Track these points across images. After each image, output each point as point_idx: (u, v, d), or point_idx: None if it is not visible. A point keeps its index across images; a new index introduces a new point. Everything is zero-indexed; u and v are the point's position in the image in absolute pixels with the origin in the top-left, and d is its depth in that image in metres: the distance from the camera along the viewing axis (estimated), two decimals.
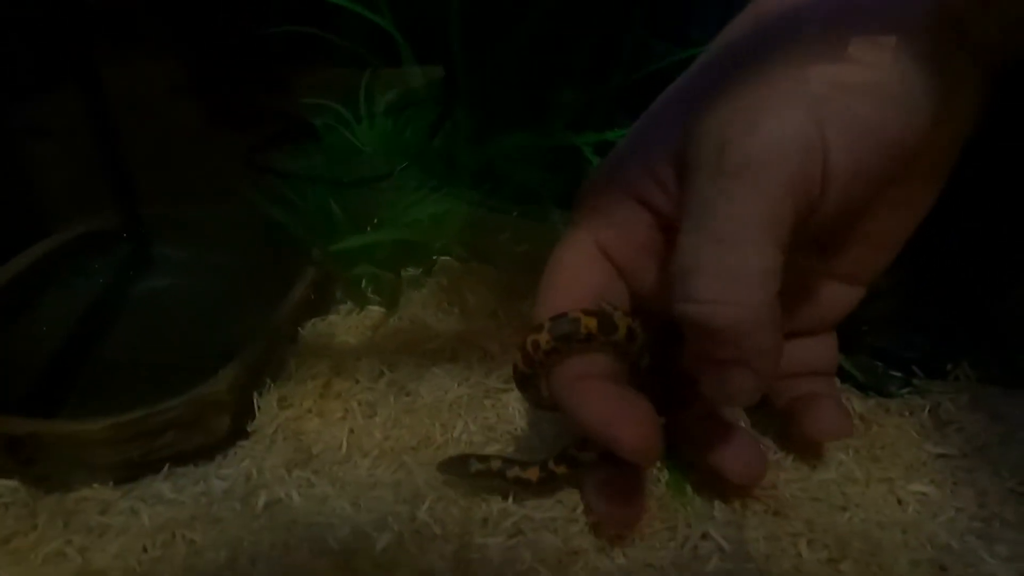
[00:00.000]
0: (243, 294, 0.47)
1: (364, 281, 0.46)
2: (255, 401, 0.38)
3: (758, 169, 0.25)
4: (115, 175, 0.56)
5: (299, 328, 0.43)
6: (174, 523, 0.32)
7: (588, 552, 0.31)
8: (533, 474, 0.32)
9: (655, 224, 0.30)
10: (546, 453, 0.33)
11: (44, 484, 0.34)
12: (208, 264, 0.49)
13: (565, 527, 0.32)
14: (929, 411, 0.37)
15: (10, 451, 0.33)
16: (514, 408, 0.38)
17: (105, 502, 0.33)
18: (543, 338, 0.29)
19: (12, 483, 0.34)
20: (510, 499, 0.33)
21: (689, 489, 0.33)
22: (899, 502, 0.33)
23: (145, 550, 0.31)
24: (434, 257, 0.48)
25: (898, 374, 0.39)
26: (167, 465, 0.35)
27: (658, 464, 0.34)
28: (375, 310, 0.46)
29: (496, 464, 0.32)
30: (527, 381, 0.31)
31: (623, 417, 0.27)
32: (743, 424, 0.36)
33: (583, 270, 0.31)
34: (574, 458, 0.32)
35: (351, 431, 0.37)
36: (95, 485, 0.34)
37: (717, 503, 0.32)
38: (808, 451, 0.35)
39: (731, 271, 0.25)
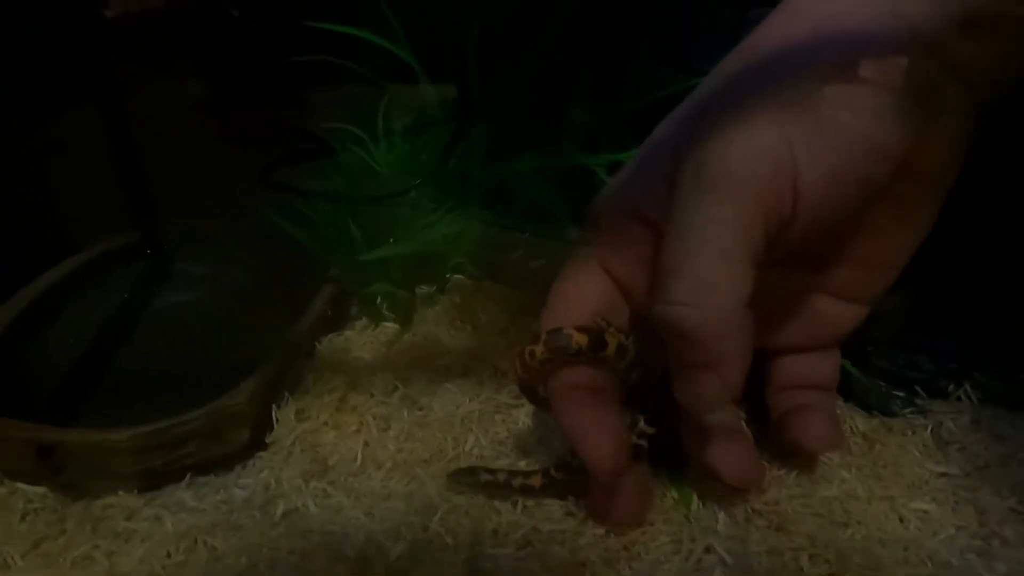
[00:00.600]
0: (261, 309, 0.48)
1: (379, 298, 0.47)
2: (273, 413, 0.39)
3: (729, 183, 0.27)
4: (137, 192, 0.57)
5: (316, 343, 0.45)
6: (196, 530, 0.33)
7: (595, 564, 0.31)
8: (536, 481, 0.34)
9: (655, 242, 0.31)
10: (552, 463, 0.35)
11: (71, 491, 0.35)
12: (227, 280, 0.51)
13: (574, 539, 0.32)
14: (931, 430, 0.38)
15: (40, 459, 0.35)
16: (524, 423, 0.39)
17: (130, 509, 0.35)
18: (539, 349, 0.32)
19: (41, 490, 0.35)
20: (520, 511, 0.34)
21: (695, 503, 0.34)
22: (900, 519, 0.34)
23: (169, 555, 0.32)
24: (447, 275, 0.49)
25: (901, 394, 0.40)
26: (189, 474, 0.36)
27: (665, 479, 0.35)
28: (390, 326, 0.47)
29: (502, 475, 0.34)
30: (526, 385, 0.34)
31: (593, 432, 0.30)
32: (745, 432, 0.37)
33: (586, 287, 0.34)
34: (569, 464, 0.34)
35: (366, 443, 0.38)
36: (120, 493, 0.35)
37: (721, 517, 0.33)
38: (810, 468, 0.36)
39: (700, 277, 0.27)
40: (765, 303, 0.34)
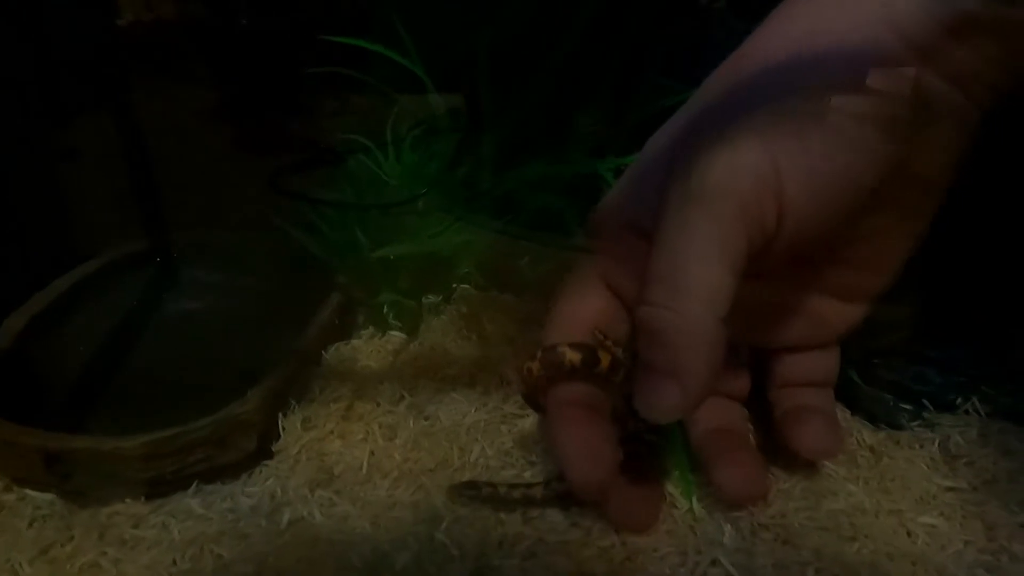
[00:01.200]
0: (269, 317, 0.48)
1: (386, 307, 0.48)
2: (280, 422, 0.40)
3: (713, 196, 0.27)
4: (148, 200, 0.58)
5: (323, 352, 0.45)
6: (203, 538, 0.33)
7: (600, 575, 0.31)
8: (537, 492, 0.34)
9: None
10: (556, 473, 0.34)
11: (79, 498, 0.35)
12: (236, 287, 0.51)
13: (578, 551, 0.32)
14: (939, 444, 0.38)
15: (48, 466, 0.35)
16: (529, 433, 0.39)
17: (137, 516, 0.35)
18: (535, 366, 0.33)
19: (49, 496, 0.36)
20: (525, 522, 0.34)
21: (696, 505, 0.34)
22: (908, 534, 0.33)
23: (175, 563, 0.32)
24: (454, 285, 0.49)
25: (908, 407, 0.40)
26: (196, 482, 0.36)
27: (670, 491, 0.35)
28: (396, 336, 0.47)
29: (503, 488, 0.34)
30: (530, 398, 0.35)
31: (578, 453, 0.31)
32: (751, 447, 0.37)
33: (586, 301, 0.35)
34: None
35: (372, 453, 0.38)
36: (127, 500, 0.35)
37: (727, 530, 0.33)
38: (816, 481, 0.36)
39: (677, 281, 0.27)
40: (765, 303, 0.35)
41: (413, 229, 0.48)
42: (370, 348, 0.46)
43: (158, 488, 0.36)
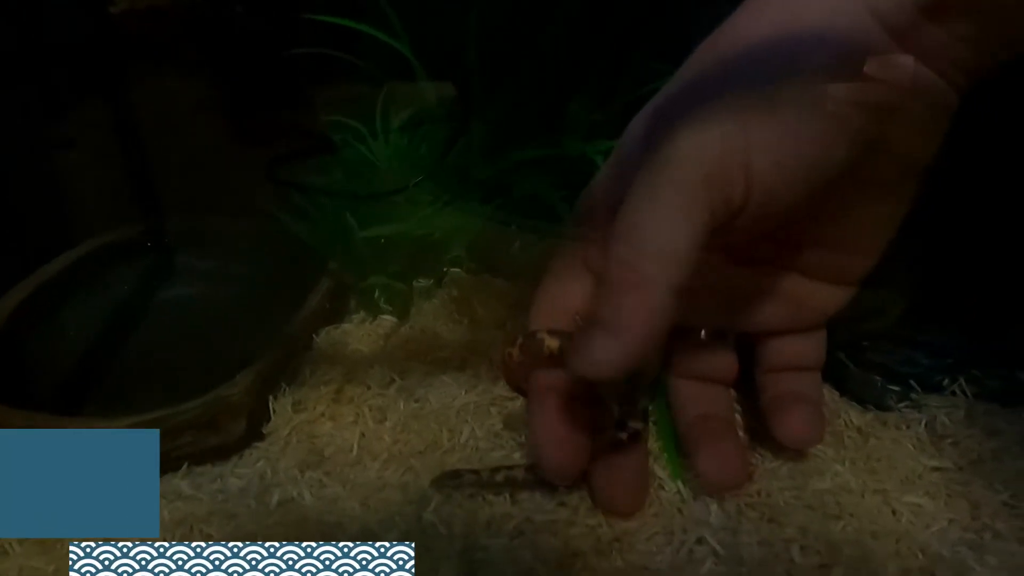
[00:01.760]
0: (261, 303, 0.48)
1: (377, 291, 0.48)
2: (270, 405, 0.40)
3: (678, 163, 0.27)
4: (141, 187, 0.58)
5: (314, 336, 0.45)
6: (192, 518, 0.33)
7: (587, 554, 0.32)
8: (519, 473, 0.34)
9: None
10: None
11: None
12: (229, 274, 0.51)
13: (565, 530, 0.33)
14: (925, 425, 0.38)
15: None
16: (518, 415, 0.39)
17: None
18: (515, 352, 0.34)
19: None
20: (512, 503, 0.34)
21: (688, 494, 0.34)
22: (893, 512, 0.34)
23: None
24: (445, 269, 0.49)
25: (896, 388, 0.40)
26: (186, 464, 0.37)
27: (658, 474, 0.35)
28: (387, 319, 0.47)
29: (485, 473, 0.34)
30: (512, 383, 0.37)
31: (550, 440, 0.32)
32: (739, 431, 0.37)
33: (570, 286, 0.35)
34: None
35: (362, 435, 0.39)
36: None
37: (713, 509, 0.33)
38: (803, 461, 0.36)
39: (635, 242, 0.27)
40: (748, 287, 0.35)
41: (404, 214, 0.48)
42: (361, 332, 0.46)
43: None
